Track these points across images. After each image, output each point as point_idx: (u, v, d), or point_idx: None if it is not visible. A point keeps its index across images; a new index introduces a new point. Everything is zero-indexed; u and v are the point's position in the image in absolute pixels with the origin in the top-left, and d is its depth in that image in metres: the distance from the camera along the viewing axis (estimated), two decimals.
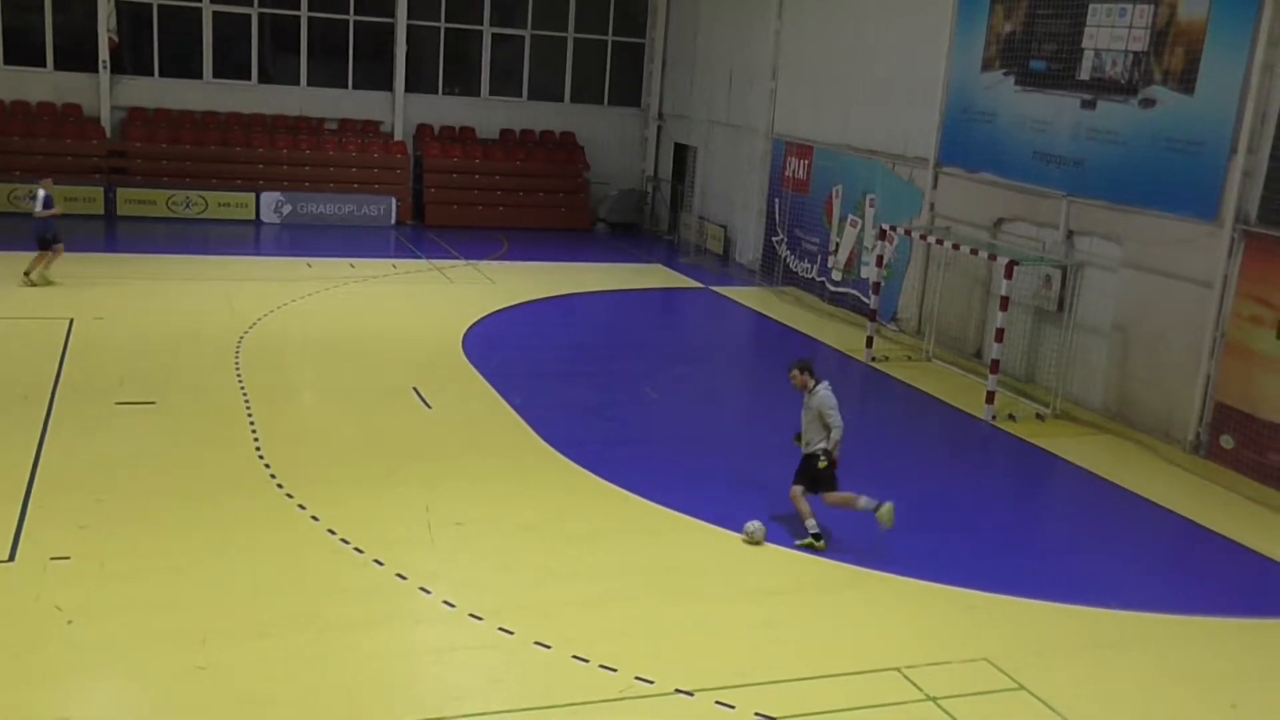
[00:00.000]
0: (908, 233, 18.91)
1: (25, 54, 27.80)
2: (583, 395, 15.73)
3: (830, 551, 10.74)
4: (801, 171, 23.97)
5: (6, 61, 27.67)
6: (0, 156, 26.19)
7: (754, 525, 10.92)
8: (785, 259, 24.47)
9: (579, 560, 10.36)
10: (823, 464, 10.80)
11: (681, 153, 30.38)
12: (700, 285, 24.13)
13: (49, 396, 13.73)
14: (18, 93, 27.65)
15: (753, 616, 9.52)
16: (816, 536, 10.81)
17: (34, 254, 19.39)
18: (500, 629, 8.89)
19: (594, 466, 12.55)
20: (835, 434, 10.74)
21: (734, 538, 10.95)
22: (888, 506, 10.81)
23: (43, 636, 8.38)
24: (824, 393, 10.83)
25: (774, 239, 25.06)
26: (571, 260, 25.89)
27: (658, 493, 11.88)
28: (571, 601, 9.48)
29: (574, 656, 8.54)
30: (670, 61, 31.04)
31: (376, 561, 9.92)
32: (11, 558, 9.56)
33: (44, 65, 27.93)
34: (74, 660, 8.16)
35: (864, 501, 10.92)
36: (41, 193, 19.47)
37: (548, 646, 8.67)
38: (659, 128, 31.54)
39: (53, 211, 19.47)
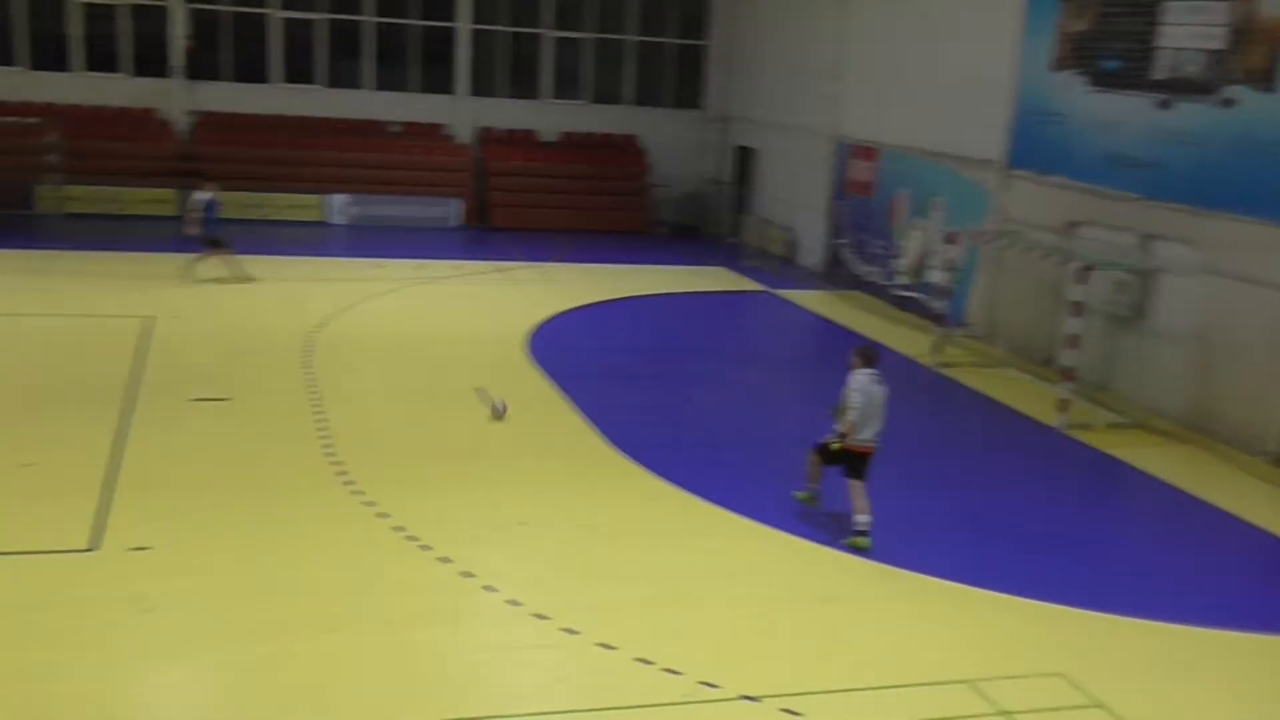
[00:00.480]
0: (976, 236, 18.66)
1: (104, 61, 28.42)
2: (646, 397, 15.70)
3: (897, 558, 10.60)
4: (866, 174, 23.76)
5: (87, 67, 28.28)
6: (80, 160, 26.73)
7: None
8: (850, 262, 24.27)
9: (642, 562, 10.32)
10: (834, 445, 10.91)
11: (744, 155, 30.27)
12: (763, 288, 24.00)
13: (130, 392, 13.98)
14: (97, 98, 28.23)
15: (818, 622, 9.42)
16: (809, 495, 11.35)
17: (197, 256, 20.28)
18: (564, 629, 8.88)
19: (657, 468, 12.50)
20: (849, 415, 10.74)
21: (799, 542, 10.87)
22: (865, 542, 10.74)
23: (123, 624, 8.54)
24: (853, 378, 10.86)
25: (838, 242, 24.87)
26: (634, 263, 25.88)
27: (720, 495, 11.79)
28: (635, 603, 9.45)
29: (637, 659, 8.48)
30: (732, 63, 30.95)
31: (443, 559, 9.95)
32: (96, 547, 9.76)
33: (122, 71, 28.50)
34: (152, 648, 8.30)
35: (864, 519, 10.80)
36: (205, 197, 20.14)
37: (611, 648, 8.63)
38: (721, 130, 31.46)
39: (195, 213, 20.21)
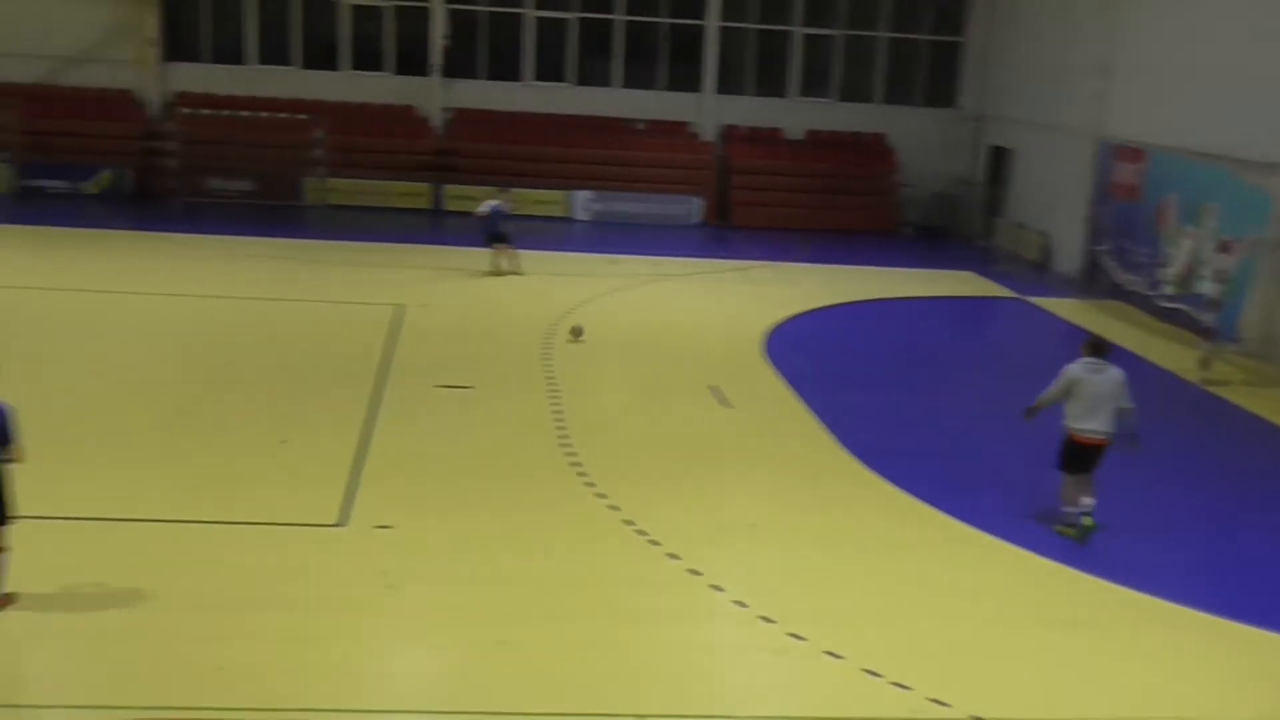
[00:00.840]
0: (1254, 245, 17.27)
1: (369, 60, 29.98)
2: (884, 403, 15.26)
3: (1148, 583, 9.88)
4: (1132, 176, 22.42)
5: (353, 66, 29.89)
6: (343, 154, 28.26)
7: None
8: (1110, 270, 22.97)
9: (874, 571, 9.99)
10: (1026, 416, 11.28)
11: (998, 155, 29.15)
12: (1013, 295, 23.01)
13: (380, 376, 14.61)
14: (361, 95, 29.82)
15: (1058, 647, 8.86)
16: (1069, 525, 10.89)
17: (491, 250, 21.38)
18: (791, 634, 8.68)
19: (893, 477, 12.11)
20: (1042, 395, 11.16)
21: (1040, 560, 10.32)
22: (1090, 522, 10.72)
23: (367, 599, 8.87)
24: (1070, 365, 10.99)
25: (1098, 248, 23.58)
26: (877, 265, 25.30)
27: (956, 507, 11.31)
28: (865, 613, 9.17)
29: (865, 670, 8.22)
30: (990, 60, 29.87)
31: (671, 556, 9.91)
32: (344, 523, 10.19)
33: (384, 70, 29.98)
34: (392, 623, 8.61)
35: (1087, 500, 10.74)
36: (492, 203, 21.38)
37: (839, 656, 8.39)
38: (975, 129, 30.39)
39: (484, 213, 21.35)
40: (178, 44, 29.67)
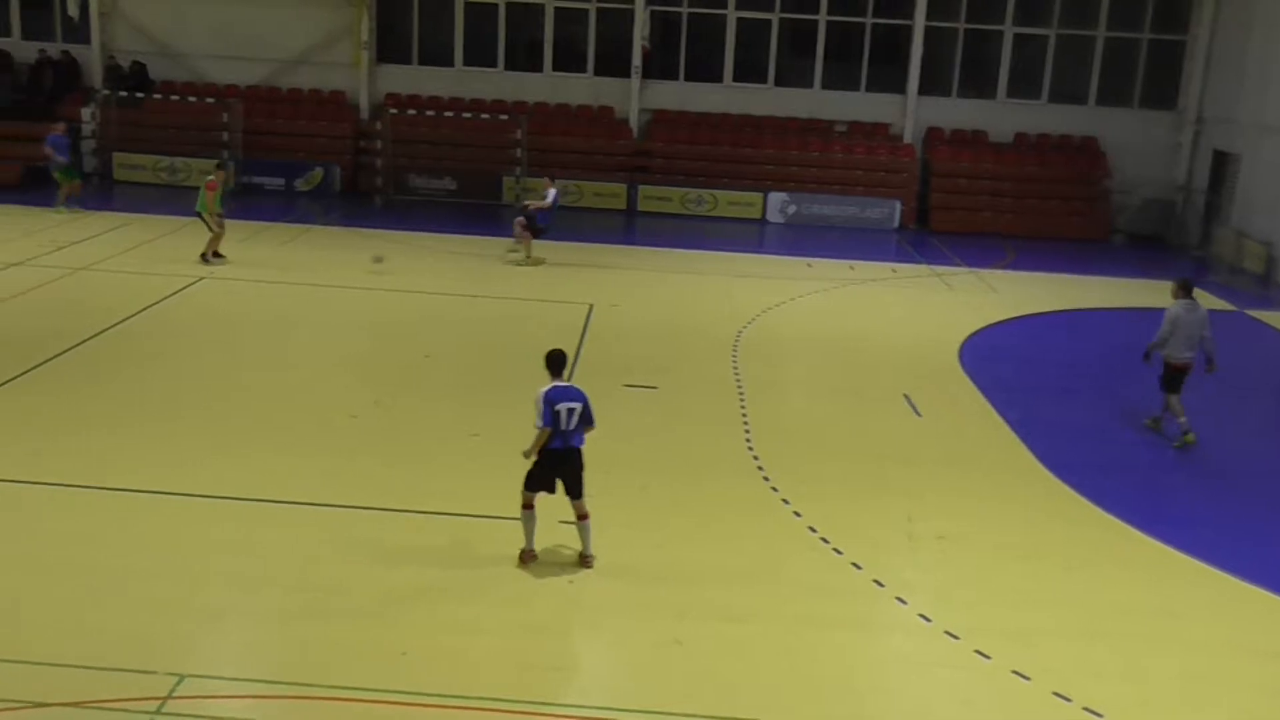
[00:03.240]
0: None
1: (569, 60, 30.49)
2: (1083, 417, 14.62)
3: None
4: None
5: (554, 67, 30.45)
6: (541, 154, 28.82)
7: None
8: None
9: (1066, 590, 9.60)
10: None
11: (1220, 160, 27.51)
12: (1233, 308, 21.66)
13: (569, 375, 14.74)
14: (561, 95, 30.36)
15: (1262, 679, 8.37)
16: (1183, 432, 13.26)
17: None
18: (977, 651, 8.43)
19: (1090, 493, 11.64)
20: (1156, 340, 13.26)
21: (1240, 585, 9.79)
22: (1189, 439, 13.15)
23: (546, 593, 9.00)
24: (1169, 308, 13.20)
25: None
26: (1084, 273, 24.26)
27: (1159, 528, 10.82)
28: (1056, 634, 8.81)
29: (1055, 693, 7.93)
30: (1215, 60, 28.21)
31: (854, 564, 9.73)
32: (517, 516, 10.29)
33: (585, 71, 30.44)
34: (570, 616, 8.74)
35: (1184, 420, 13.15)
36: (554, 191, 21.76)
37: (1026, 678, 8.10)
38: (1196, 133, 28.77)
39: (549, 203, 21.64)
40: (389, 47, 30.81)
